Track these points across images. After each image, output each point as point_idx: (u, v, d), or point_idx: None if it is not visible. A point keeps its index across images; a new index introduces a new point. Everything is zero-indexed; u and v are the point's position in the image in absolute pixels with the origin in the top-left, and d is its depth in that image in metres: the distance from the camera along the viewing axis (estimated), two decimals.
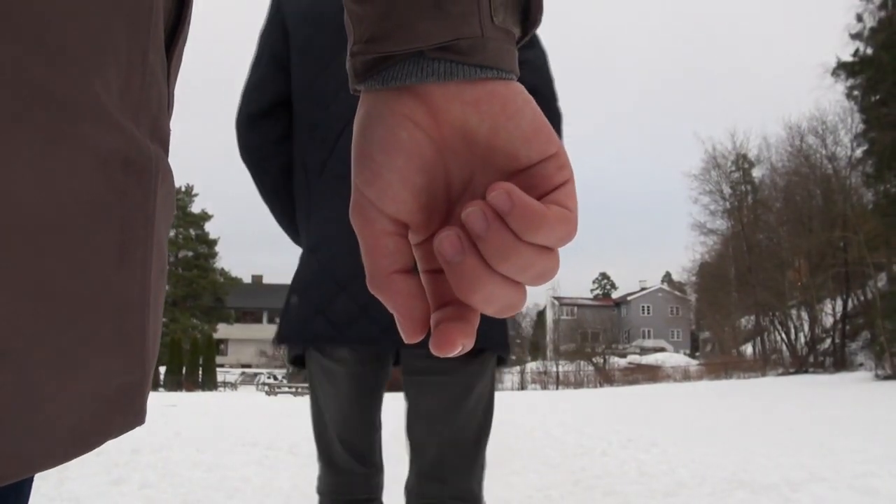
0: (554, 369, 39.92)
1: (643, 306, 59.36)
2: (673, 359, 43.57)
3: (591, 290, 75.50)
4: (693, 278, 49.25)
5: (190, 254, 48.52)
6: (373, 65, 0.34)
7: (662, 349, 53.37)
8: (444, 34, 0.33)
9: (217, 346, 43.55)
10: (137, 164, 0.29)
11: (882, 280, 26.37)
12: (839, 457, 5.45)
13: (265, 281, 56.82)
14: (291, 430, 8.10)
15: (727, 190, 41.79)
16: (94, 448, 0.28)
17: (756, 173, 41.02)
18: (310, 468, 4.91)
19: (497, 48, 0.33)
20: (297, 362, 1.50)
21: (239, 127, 1.50)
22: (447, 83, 0.33)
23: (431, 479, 1.40)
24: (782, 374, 29.76)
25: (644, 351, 52.24)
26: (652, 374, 36.47)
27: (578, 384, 36.68)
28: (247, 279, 55.51)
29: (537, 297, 57.99)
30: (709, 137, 74.32)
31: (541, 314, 58.47)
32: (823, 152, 32.27)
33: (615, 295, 69.86)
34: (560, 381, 37.67)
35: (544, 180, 0.33)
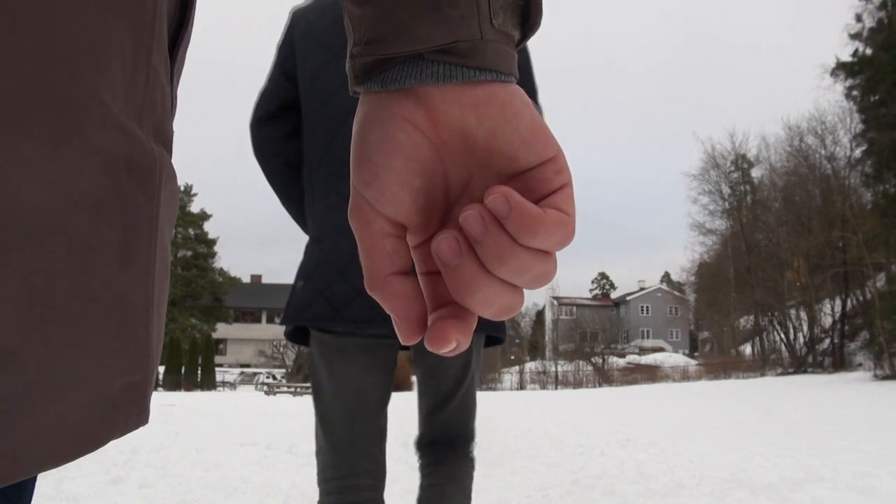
0: (553, 369, 39.97)
1: (642, 306, 59.38)
2: (672, 359, 43.64)
3: (590, 290, 75.63)
4: (692, 278, 49.34)
5: (189, 253, 48.50)
6: (372, 67, 0.34)
7: (661, 349, 53.43)
8: (443, 36, 0.32)
9: (216, 346, 43.57)
10: (141, 165, 0.29)
11: (881, 280, 26.34)
12: (838, 457, 5.45)
13: (264, 281, 56.87)
14: (290, 430, 8.11)
15: (726, 190, 41.91)
16: (97, 448, 0.28)
17: (755, 173, 41.15)
18: (309, 468, 4.91)
19: (496, 51, 0.33)
20: (296, 338, 1.63)
21: (251, 128, 1.69)
22: (446, 85, 0.33)
23: (434, 428, 1.62)
24: (781, 374, 29.80)
25: (643, 351, 52.30)
26: (651, 374, 36.53)
27: (577, 384, 36.72)
28: (246, 279, 55.55)
29: (536, 296, 58.10)
30: (708, 137, 74.58)
31: (540, 314, 58.53)
32: (822, 152, 32.33)
33: (614, 295, 69.97)
34: (559, 381, 37.71)
35: (542, 184, 0.33)
